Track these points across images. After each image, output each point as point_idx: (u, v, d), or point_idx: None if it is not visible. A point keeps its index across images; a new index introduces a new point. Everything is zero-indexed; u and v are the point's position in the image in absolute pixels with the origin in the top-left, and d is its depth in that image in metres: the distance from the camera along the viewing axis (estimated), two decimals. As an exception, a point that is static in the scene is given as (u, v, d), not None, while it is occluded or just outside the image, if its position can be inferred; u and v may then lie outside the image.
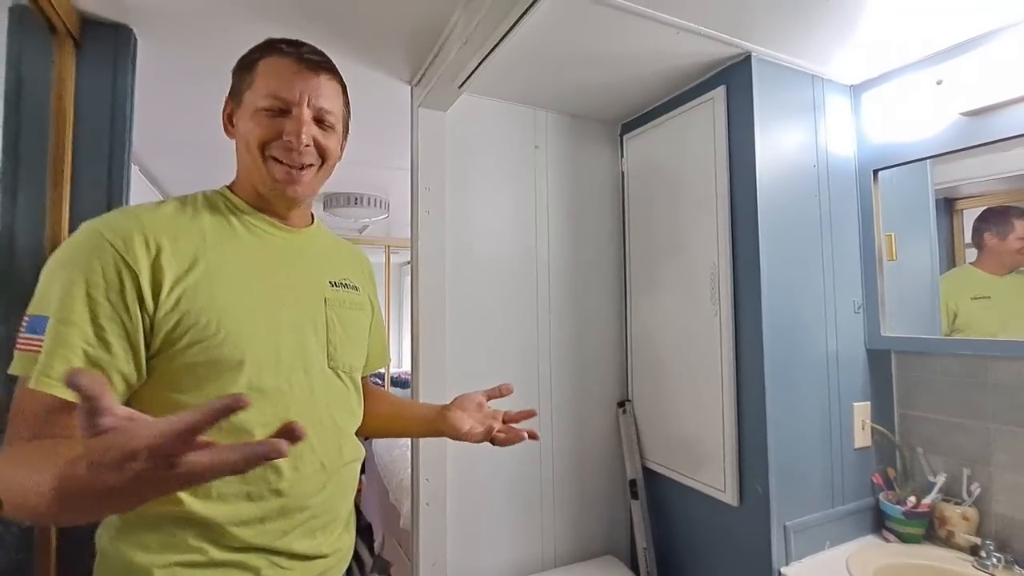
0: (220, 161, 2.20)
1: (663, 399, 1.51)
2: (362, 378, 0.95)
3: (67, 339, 0.60)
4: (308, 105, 0.74)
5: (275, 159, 0.74)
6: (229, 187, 0.81)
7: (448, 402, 0.95)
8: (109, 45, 1.17)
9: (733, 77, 1.30)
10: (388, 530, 2.43)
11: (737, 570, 1.27)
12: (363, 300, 0.90)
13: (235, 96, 0.78)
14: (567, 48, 1.25)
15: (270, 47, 0.76)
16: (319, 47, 0.79)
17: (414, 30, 1.21)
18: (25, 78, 1.08)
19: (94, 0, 1.09)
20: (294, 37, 0.79)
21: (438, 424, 0.92)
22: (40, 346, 0.60)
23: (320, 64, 0.76)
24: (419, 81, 1.40)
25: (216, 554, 0.66)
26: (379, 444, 3.07)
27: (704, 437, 1.35)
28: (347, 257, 0.94)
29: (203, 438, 0.41)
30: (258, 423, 0.68)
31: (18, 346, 0.62)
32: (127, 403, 0.65)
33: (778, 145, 1.27)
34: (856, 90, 1.40)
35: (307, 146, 0.74)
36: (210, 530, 0.66)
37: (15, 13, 1.08)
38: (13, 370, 0.62)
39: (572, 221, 1.64)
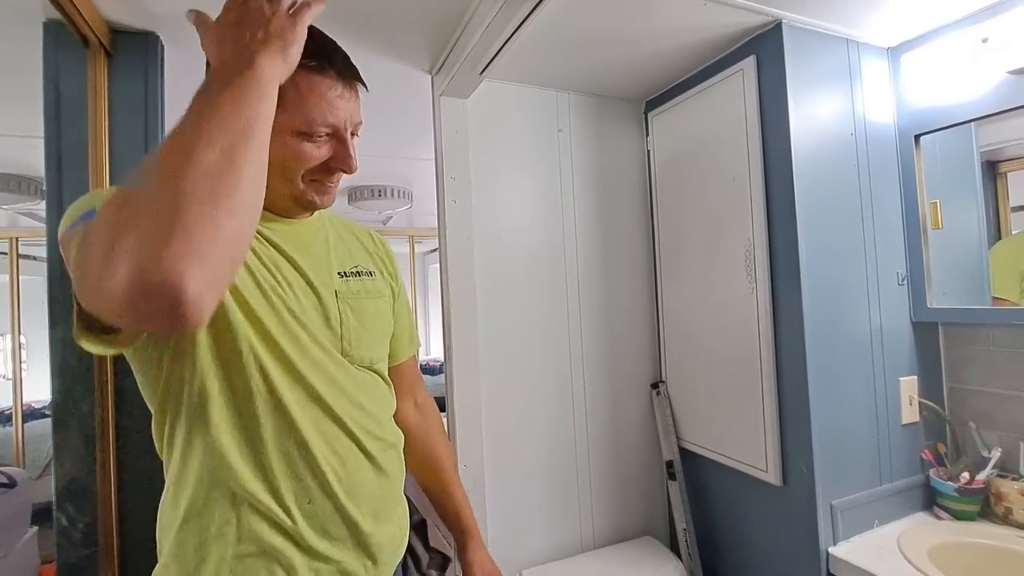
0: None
1: (698, 379, 1.49)
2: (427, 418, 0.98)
3: None
4: (351, 127, 0.71)
5: (316, 182, 0.71)
6: None
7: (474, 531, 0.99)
8: (138, 53, 1.20)
9: (763, 46, 1.25)
10: (427, 515, 2.48)
11: (782, 551, 1.26)
12: (379, 286, 0.84)
13: None
14: (588, 27, 1.22)
15: (305, 58, 0.67)
16: (344, 44, 0.73)
17: (434, 18, 1.20)
18: (62, 91, 1.12)
19: (122, 10, 1.12)
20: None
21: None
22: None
23: (356, 77, 0.72)
24: (439, 70, 1.40)
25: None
26: (413, 433, 3.12)
27: (743, 417, 1.33)
28: (357, 242, 0.87)
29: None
30: (295, 402, 0.68)
31: (75, 232, 0.55)
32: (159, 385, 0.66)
33: (813, 115, 1.22)
34: (894, 52, 1.34)
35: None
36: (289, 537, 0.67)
37: (49, 29, 1.11)
38: (68, 225, 0.57)
39: (599, 203, 1.62)
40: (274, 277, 0.70)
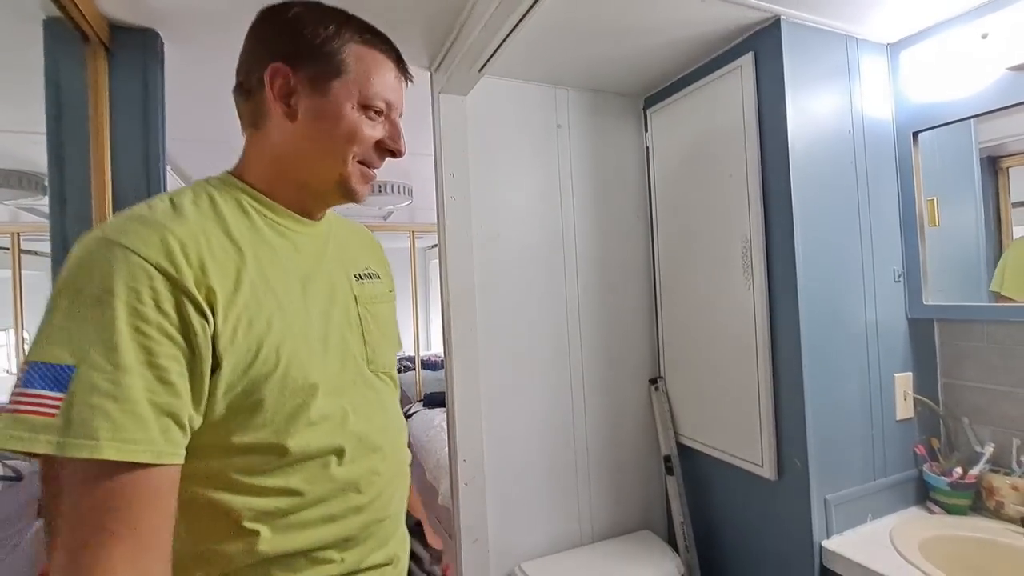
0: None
1: (696, 375, 1.51)
2: None
3: (135, 393, 0.48)
4: (399, 113, 0.71)
5: (362, 163, 0.68)
6: (236, 175, 0.67)
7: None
8: (138, 50, 1.20)
9: (761, 43, 1.25)
10: (427, 508, 2.51)
11: (777, 544, 1.28)
12: (385, 288, 0.82)
13: (306, 70, 0.64)
14: (587, 22, 1.22)
15: (360, 31, 0.67)
16: None
17: (432, 15, 1.20)
18: (63, 88, 1.13)
19: (122, 7, 1.12)
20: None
21: None
22: (54, 407, 0.45)
23: (407, 67, 0.72)
24: (438, 67, 1.40)
25: None
26: (414, 425, 3.15)
27: (739, 412, 1.34)
28: (362, 242, 0.84)
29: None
30: (331, 446, 0.63)
31: (20, 406, 0.45)
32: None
33: (811, 111, 1.23)
34: (893, 49, 1.34)
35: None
36: (297, 559, 0.61)
37: (49, 26, 1.12)
38: (7, 443, 0.45)
39: (598, 199, 1.63)
40: (306, 294, 0.66)
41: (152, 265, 0.51)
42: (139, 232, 0.53)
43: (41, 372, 0.46)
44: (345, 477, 0.64)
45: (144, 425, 0.48)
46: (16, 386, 0.47)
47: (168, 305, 0.51)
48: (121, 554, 0.46)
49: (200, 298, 0.53)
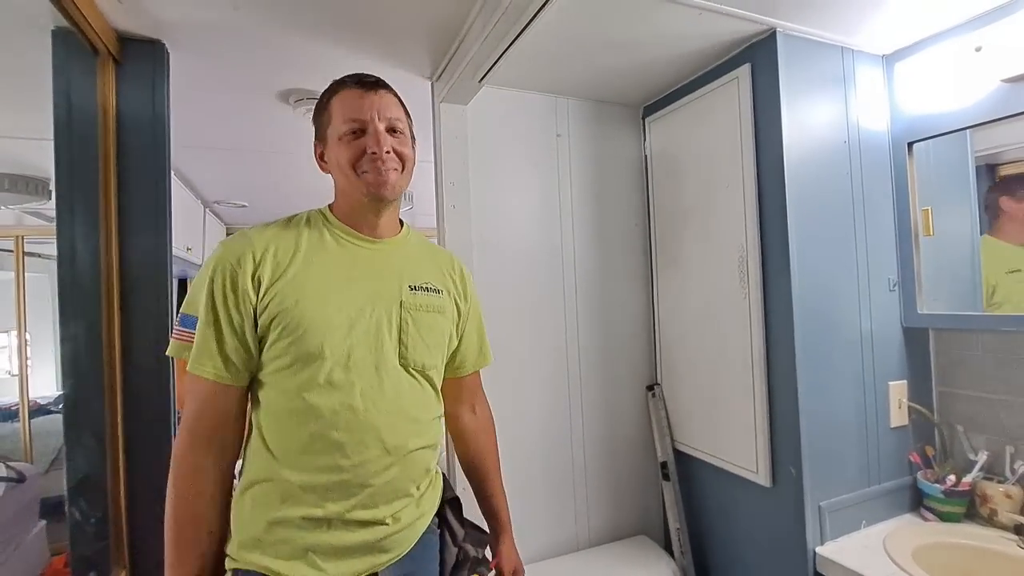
0: (248, 162, 2.28)
1: (692, 382, 1.52)
2: (472, 409, 1.08)
3: (208, 338, 0.80)
4: (380, 119, 0.86)
5: (366, 172, 0.85)
6: (330, 206, 0.94)
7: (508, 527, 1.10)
8: (145, 60, 1.22)
9: (758, 54, 1.27)
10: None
11: (771, 550, 1.29)
12: (443, 302, 0.95)
13: (320, 137, 0.91)
14: (587, 34, 1.24)
15: (334, 86, 0.89)
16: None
17: (433, 27, 1.22)
18: (72, 98, 1.15)
19: (130, 19, 1.14)
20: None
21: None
22: (191, 338, 0.82)
23: (377, 83, 0.89)
24: (439, 77, 1.42)
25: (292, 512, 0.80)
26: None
27: (735, 419, 1.36)
28: (432, 261, 0.99)
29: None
30: (329, 408, 0.81)
31: (175, 335, 0.86)
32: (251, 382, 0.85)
33: (806, 122, 1.24)
34: (889, 60, 1.35)
35: (388, 152, 0.85)
36: (294, 491, 0.80)
37: (58, 37, 1.14)
38: (169, 352, 0.87)
39: (597, 207, 1.65)
40: (345, 288, 0.86)
41: (230, 263, 0.81)
42: (233, 242, 0.85)
43: (186, 318, 0.84)
44: (336, 440, 0.80)
45: (213, 359, 0.80)
46: (175, 325, 0.86)
47: (231, 289, 0.80)
48: (191, 422, 0.80)
49: (251, 286, 0.81)
